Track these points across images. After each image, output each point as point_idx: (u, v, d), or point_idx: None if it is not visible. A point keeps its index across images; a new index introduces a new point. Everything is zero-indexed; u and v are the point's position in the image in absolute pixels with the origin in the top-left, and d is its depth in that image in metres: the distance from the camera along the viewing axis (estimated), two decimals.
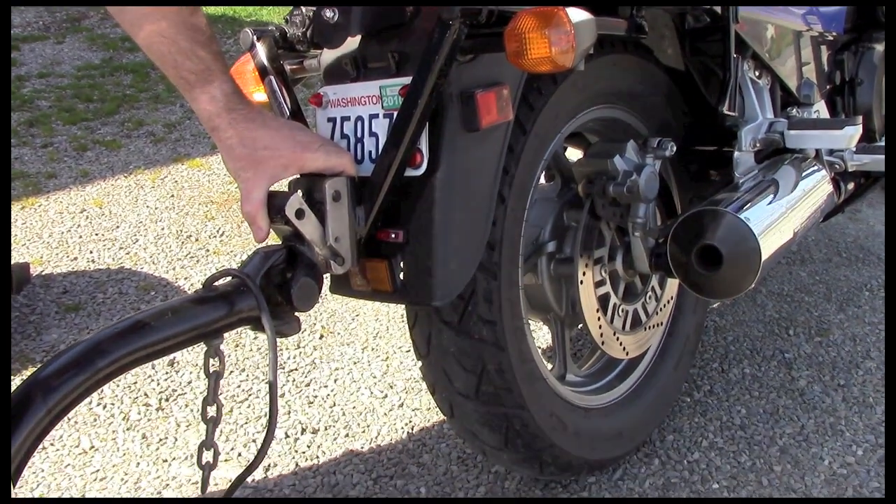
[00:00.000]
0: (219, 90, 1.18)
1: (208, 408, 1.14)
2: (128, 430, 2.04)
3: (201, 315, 1.07)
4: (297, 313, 1.19)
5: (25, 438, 0.91)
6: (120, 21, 1.17)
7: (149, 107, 4.61)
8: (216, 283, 1.13)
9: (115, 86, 4.91)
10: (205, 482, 1.16)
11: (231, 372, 2.27)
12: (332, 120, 1.32)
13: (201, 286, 1.13)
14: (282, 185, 1.24)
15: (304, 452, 1.96)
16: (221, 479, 1.86)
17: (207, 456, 1.16)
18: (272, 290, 1.16)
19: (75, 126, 4.31)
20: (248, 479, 1.63)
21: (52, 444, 1.98)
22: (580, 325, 1.81)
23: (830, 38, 2.30)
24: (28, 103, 4.57)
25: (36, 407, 0.92)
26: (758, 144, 1.89)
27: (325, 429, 2.04)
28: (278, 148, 1.19)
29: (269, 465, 1.90)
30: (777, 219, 1.59)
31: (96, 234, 3.16)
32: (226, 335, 1.16)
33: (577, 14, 1.13)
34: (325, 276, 1.25)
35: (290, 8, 1.39)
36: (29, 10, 6.21)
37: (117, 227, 3.22)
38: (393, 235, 1.26)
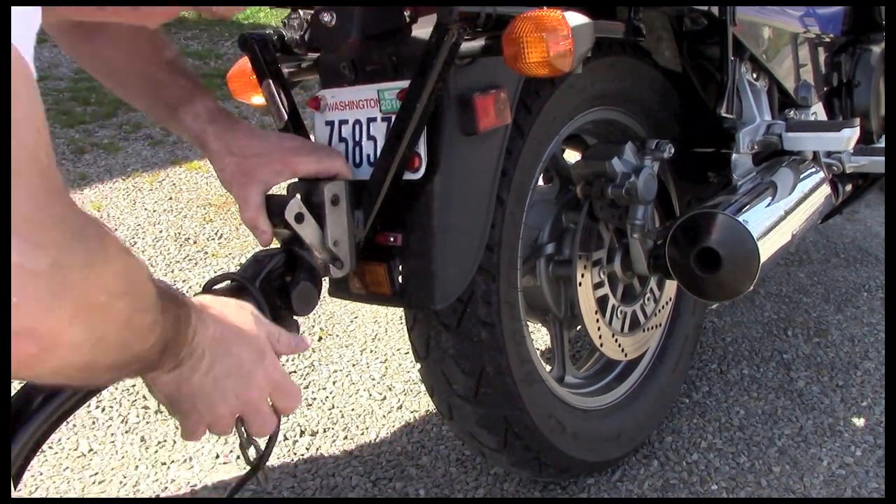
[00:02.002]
0: (202, 107, 1.22)
1: None
2: (126, 433, 2.04)
3: None
4: (295, 317, 1.19)
5: (26, 442, 0.91)
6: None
7: None
8: (216, 287, 1.13)
9: None
10: (259, 479, 1.17)
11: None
12: (331, 123, 1.33)
13: (201, 289, 1.13)
14: (279, 188, 1.24)
15: (302, 455, 1.96)
16: (220, 482, 1.86)
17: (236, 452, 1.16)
18: (271, 294, 1.16)
19: (73, 129, 4.30)
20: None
21: (50, 448, 1.97)
22: (579, 327, 1.82)
23: (828, 39, 2.31)
24: None
25: (36, 410, 0.92)
26: (756, 146, 1.89)
27: (324, 431, 2.04)
28: (269, 154, 1.20)
29: (267, 468, 1.89)
30: (775, 221, 1.59)
31: None
32: None
33: (575, 18, 1.13)
34: (324, 279, 1.25)
35: (288, 11, 1.39)
36: None
37: (115, 229, 3.22)
38: (392, 239, 1.26)
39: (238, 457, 1.94)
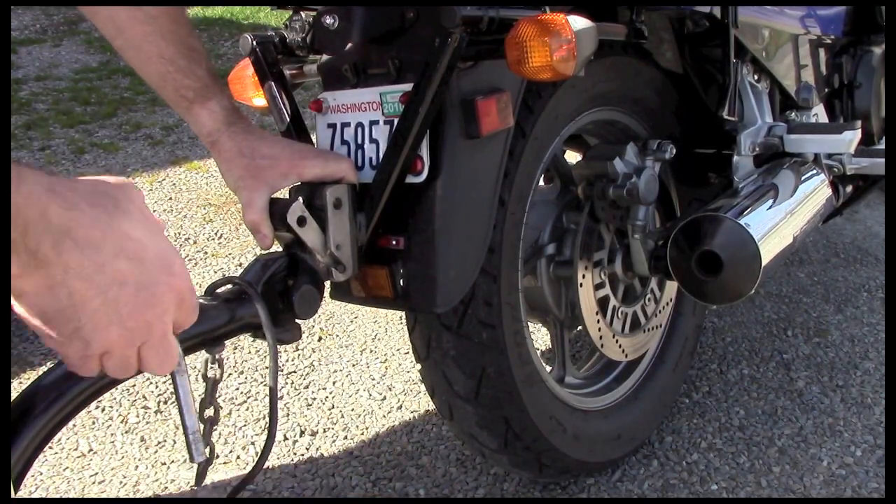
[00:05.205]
0: (217, 105, 1.20)
1: (206, 409, 1.15)
2: (126, 433, 2.05)
3: (203, 322, 1.07)
4: (297, 320, 1.19)
5: (28, 445, 0.91)
6: (117, 46, 1.18)
7: (146, 109, 4.60)
8: (218, 291, 1.13)
9: (112, 88, 4.90)
10: (200, 476, 1.16)
11: (230, 375, 2.27)
12: (333, 126, 1.32)
13: (203, 293, 1.13)
14: (282, 192, 1.24)
15: (302, 455, 1.96)
16: (220, 482, 1.87)
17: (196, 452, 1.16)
18: (273, 298, 1.16)
19: (73, 129, 4.30)
20: None
21: (50, 448, 1.97)
22: (579, 328, 1.82)
23: (829, 41, 2.31)
24: (26, 106, 4.56)
25: (38, 414, 0.92)
26: (757, 148, 1.89)
27: (324, 431, 2.04)
28: (277, 157, 1.19)
29: (267, 468, 1.90)
30: (777, 224, 1.59)
31: None
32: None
33: (578, 22, 1.13)
34: (325, 282, 1.25)
35: (290, 13, 1.39)
36: (26, 13, 6.19)
37: None
38: (394, 242, 1.26)
39: (238, 456, 1.94)
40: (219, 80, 1.23)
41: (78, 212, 0.70)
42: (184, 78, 1.17)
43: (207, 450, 1.13)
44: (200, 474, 1.15)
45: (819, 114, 2.20)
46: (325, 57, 1.37)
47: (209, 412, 1.15)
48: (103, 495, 1.84)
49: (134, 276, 0.73)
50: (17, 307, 0.71)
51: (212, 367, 1.13)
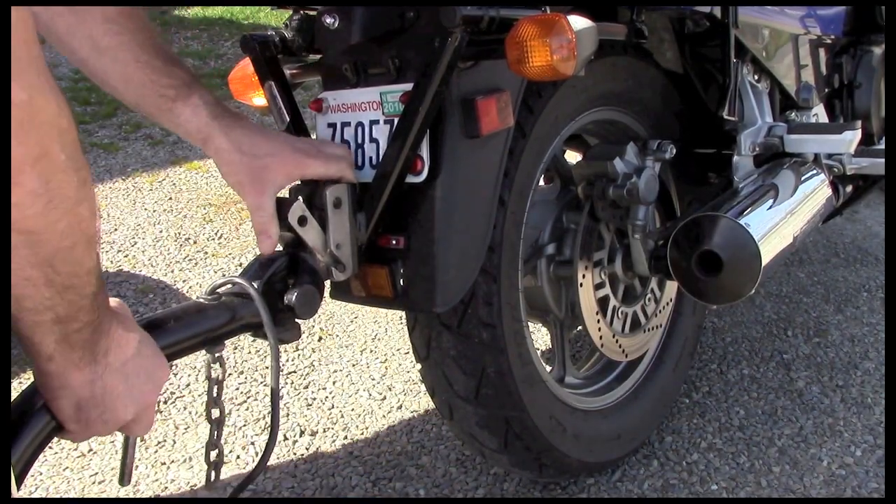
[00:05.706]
0: (200, 100, 1.15)
1: (212, 410, 1.14)
2: None
3: (204, 322, 1.07)
4: (297, 320, 1.19)
5: (28, 445, 0.91)
6: (92, 66, 1.15)
7: None
8: (219, 291, 1.13)
9: None
10: (209, 479, 1.17)
11: (230, 375, 2.27)
12: (333, 125, 1.33)
13: (204, 293, 1.13)
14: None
15: (302, 454, 1.96)
16: (220, 482, 1.86)
17: (210, 455, 1.17)
18: (274, 298, 1.16)
19: None
20: None
21: (49, 447, 1.97)
22: (579, 328, 1.82)
23: (829, 40, 2.31)
24: None
25: (39, 414, 0.92)
26: (757, 148, 1.89)
27: (324, 431, 2.04)
28: (280, 154, 1.16)
29: (267, 468, 1.90)
30: (777, 224, 1.59)
31: None
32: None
33: (578, 22, 1.13)
34: (325, 282, 1.25)
35: (290, 12, 1.39)
36: None
37: (115, 229, 3.22)
38: (394, 242, 1.26)
39: (238, 456, 1.94)
40: (199, 79, 1.19)
41: (117, 321, 0.91)
42: (162, 77, 1.14)
43: (216, 452, 1.14)
44: (209, 477, 1.16)
45: (819, 114, 2.20)
46: (325, 56, 1.37)
47: (215, 413, 1.14)
48: (103, 495, 1.84)
49: (144, 366, 0.94)
50: (53, 401, 0.89)
51: (213, 367, 1.13)
